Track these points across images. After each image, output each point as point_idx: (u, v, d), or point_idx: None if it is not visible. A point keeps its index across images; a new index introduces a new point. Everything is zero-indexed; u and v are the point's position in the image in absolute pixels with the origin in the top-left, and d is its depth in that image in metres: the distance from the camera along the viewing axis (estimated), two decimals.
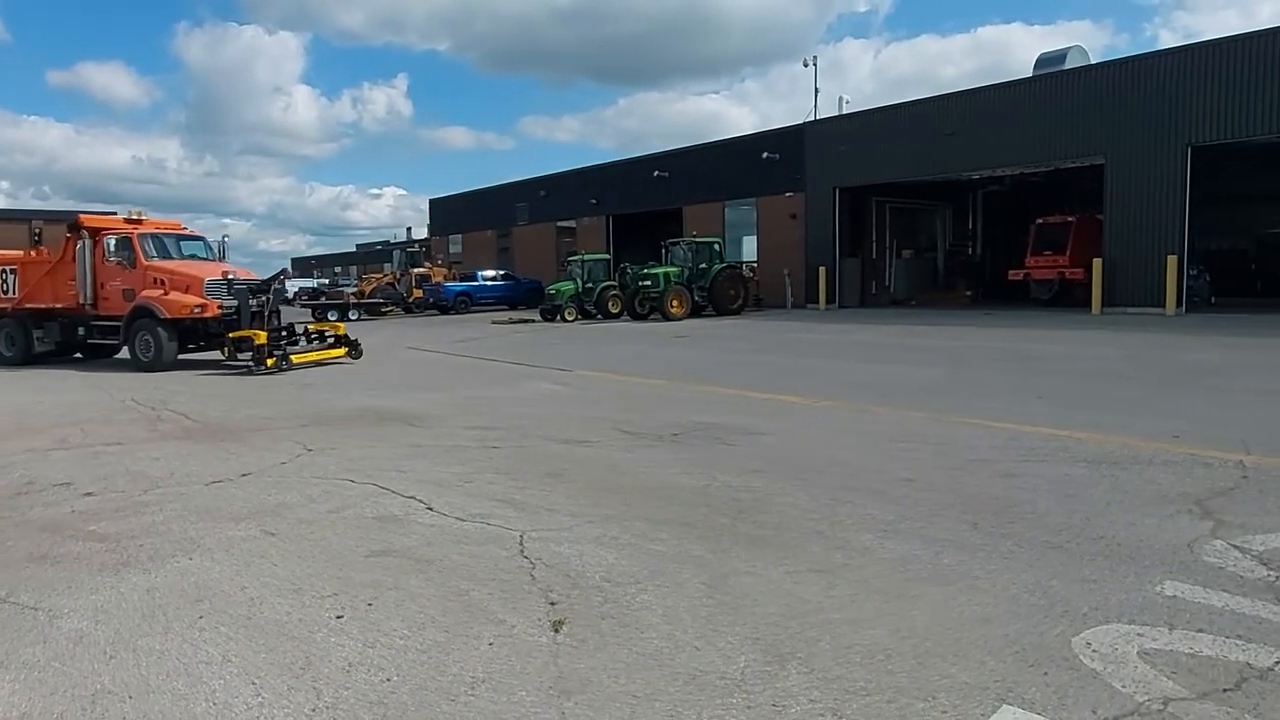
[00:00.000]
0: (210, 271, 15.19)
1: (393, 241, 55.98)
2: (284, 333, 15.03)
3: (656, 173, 35.50)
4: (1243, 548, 4.23)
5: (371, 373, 13.56)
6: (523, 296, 36.54)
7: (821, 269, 29.31)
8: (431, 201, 53.64)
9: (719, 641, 3.33)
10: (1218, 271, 25.06)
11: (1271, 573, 3.89)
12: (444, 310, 34.71)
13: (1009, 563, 4.15)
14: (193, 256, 15.84)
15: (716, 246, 28.57)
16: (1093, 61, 27.21)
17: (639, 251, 33.83)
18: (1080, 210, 25.77)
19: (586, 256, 30.68)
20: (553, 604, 3.76)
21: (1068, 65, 26.66)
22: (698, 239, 28.40)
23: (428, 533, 4.87)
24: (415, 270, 37.66)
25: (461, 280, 37.42)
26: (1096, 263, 22.75)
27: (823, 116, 32.79)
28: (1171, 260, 21.25)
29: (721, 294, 27.13)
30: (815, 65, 39.26)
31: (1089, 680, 2.91)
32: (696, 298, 26.78)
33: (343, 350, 15.32)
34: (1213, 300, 23.98)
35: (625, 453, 7.09)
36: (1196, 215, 22.03)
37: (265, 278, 15.80)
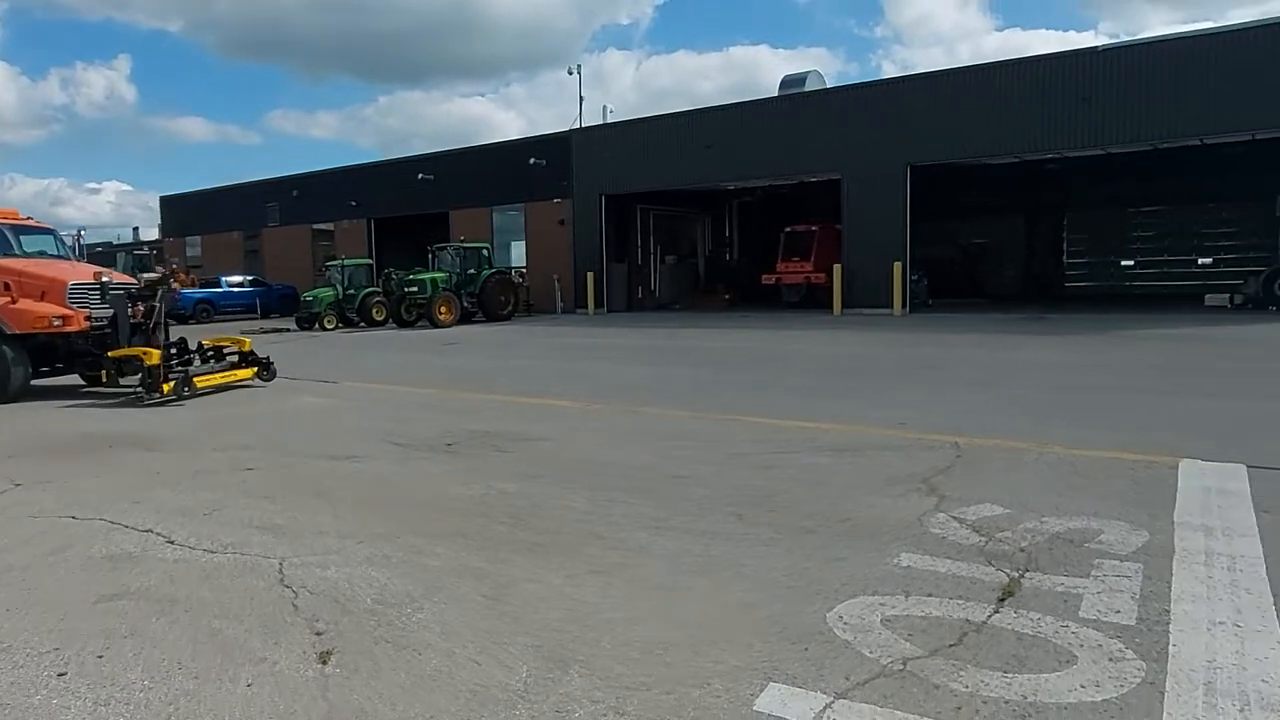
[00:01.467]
0: (76, 274, 11.70)
1: (116, 243, 49.93)
2: (176, 350, 11.80)
3: (421, 175, 34.50)
4: (960, 518, 4.83)
5: (96, 392, 12.00)
6: (275, 304, 34.04)
7: (590, 274, 29.90)
8: (163, 199, 48.46)
9: (500, 653, 3.29)
10: (934, 276, 28.49)
11: (982, 538, 4.48)
12: (181, 320, 31.46)
13: (770, 549, 4.46)
14: (40, 254, 12.31)
15: (485, 252, 28.28)
16: (828, 85, 30.03)
17: (404, 256, 32.69)
18: (824, 220, 28.29)
19: (347, 261, 29.17)
20: (319, 634, 3.52)
21: (808, 87, 29.22)
22: (466, 244, 27.94)
23: (170, 569, 4.39)
24: (145, 275, 33.78)
25: (203, 286, 34.17)
26: (837, 268, 25.08)
27: (589, 124, 33.56)
28: (897, 266, 23.89)
29: (492, 300, 26.89)
30: (580, 73, 40.05)
31: (842, 650, 3.19)
32: (466, 304, 26.34)
33: (250, 371, 12.16)
34: (930, 301, 27.22)
35: (397, 466, 6.81)
36: (917, 227, 24.94)
37: (150, 279, 12.87)
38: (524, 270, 31.92)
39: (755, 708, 2.80)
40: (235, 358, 12.35)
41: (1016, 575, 3.93)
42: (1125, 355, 13.74)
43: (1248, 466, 5.91)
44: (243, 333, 17.07)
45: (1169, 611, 3.48)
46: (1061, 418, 8.09)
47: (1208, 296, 25.49)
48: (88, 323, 11.27)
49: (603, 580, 4.06)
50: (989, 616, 3.47)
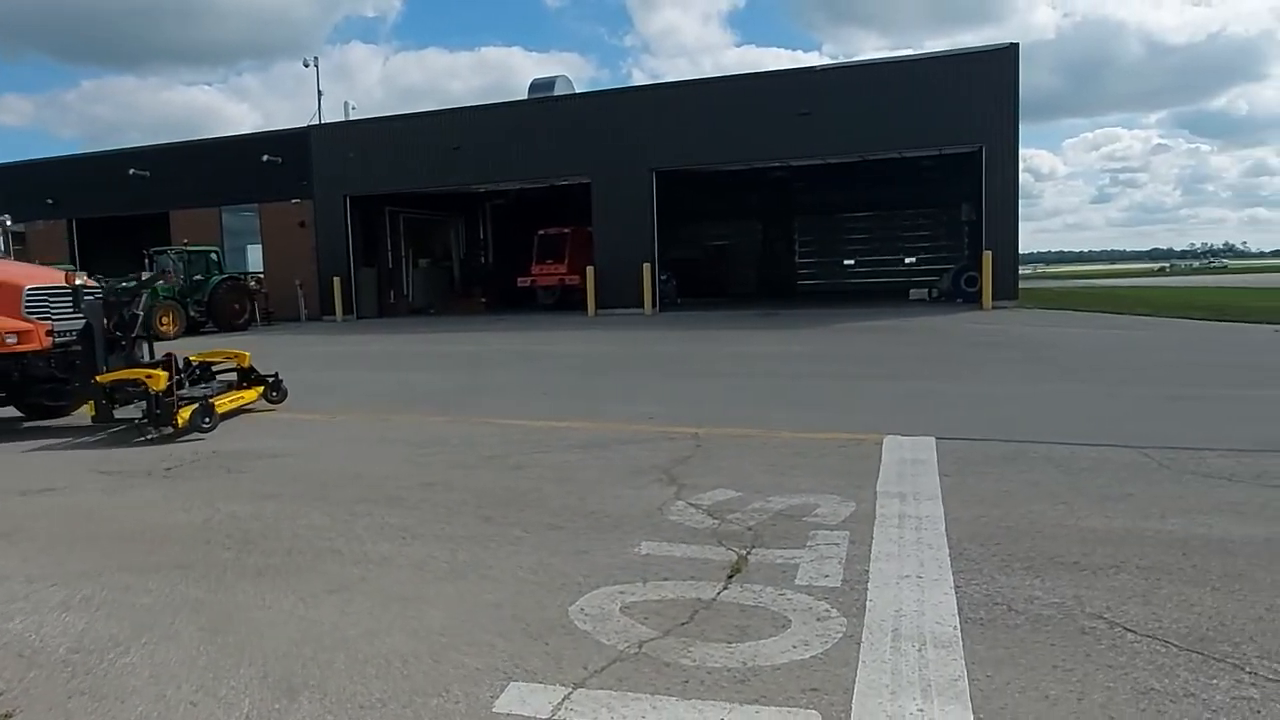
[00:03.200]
0: (34, 276, 9.07)
1: None
2: (182, 371, 9.01)
3: (134, 171, 30.87)
4: (696, 504, 5.14)
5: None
6: None
7: (336, 279, 28.34)
8: None
9: (220, 689, 3.03)
10: (682, 277, 30.03)
11: (715, 521, 4.80)
12: None
13: (517, 548, 4.48)
14: None
15: (214, 256, 25.91)
16: (577, 90, 30.64)
17: (116, 262, 29.07)
18: (576, 223, 28.84)
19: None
20: None
21: (557, 91, 29.62)
22: (191, 247, 25.42)
23: None
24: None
25: None
26: (590, 270, 25.68)
27: (331, 121, 31.75)
28: (647, 268, 24.91)
29: (224, 308, 24.69)
30: (318, 66, 37.73)
31: (582, 641, 3.28)
32: (193, 313, 23.97)
33: (255, 393, 9.64)
34: (679, 301, 28.67)
35: (105, 495, 6.05)
36: (664, 229, 26.14)
37: (128, 283, 10.11)
38: (261, 276, 29.58)
39: (495, 709, 2.80)
40: (233, 375, 9.77)
41: (744, 553, 4.25)
42: (839, 345, 15.32)
43: (936, 438, 6.81)
44: None
45: (868, 571, 3.93)
46: (786, 404, 8.87)
47: (911, 291, 29.08)
48: (50, 339, 8.57)
49: (341, 597, 3.87)
50: (718, 593, 3.72)
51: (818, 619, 3.42)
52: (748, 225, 38.35)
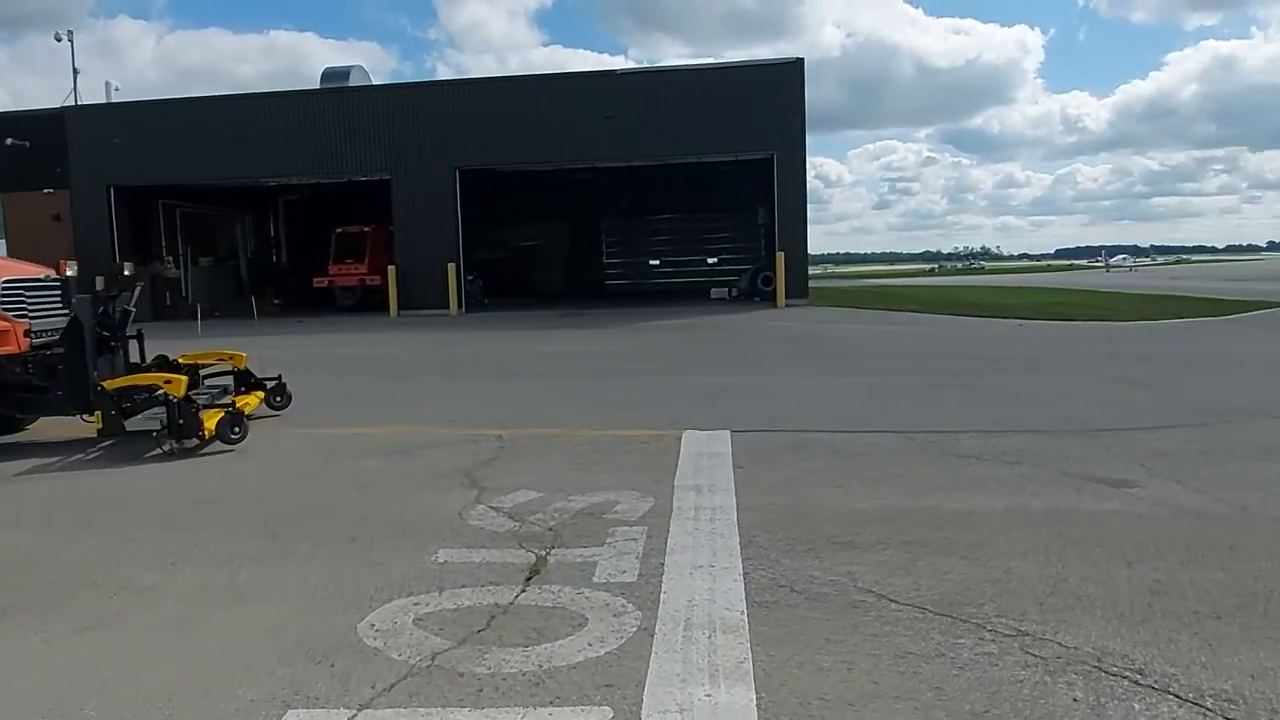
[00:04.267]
0: (8, 268, 7.75)
1: None
2: (191, 375, 7.71)
3: None
4: (498, 507, 5.08)
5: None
6: None
7: (100, 279, 25.50)
8: None
9: None
10: (489, 277, 29.59)
11: (516, 523, 4.77)
12: None
13: (305, 565, 4.23)
14: None
15: None
16: (375, 82, 29.40)
17: None
18: (377, 221, 27.65)
19: None
20: None
21: (352, 82, 28.27)
22: None
23: None
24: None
25: None
26: (391, 270, 24.73)
27: (91, 103, 28.51)
28: (451, 268, 24.33)
29: None
30: (73, 40, 33.63)
31: (370, 658, 3.14)
32: None
33: (255, 398, 8.32)
34: (486, 301, 28.23)
35: None
36: (471, 229, 25.64)
37: (124, 273, 9.07)
38: None
39: None
40: (230, 378, 8.53)
41: (544, 554, 4.25)
42: (643, 344, 15.73)
43: (731, 432, 7.13)
44: None
45: (664, 564, 4.05)
46: (590, 403, 8.98)
47: (712, 290, 30.31)
48: (28, 340, 7.35)
49: (95, 636, 3.48)
50: (516, 597, 3.70)
51: (614, 615, 3.48)
52: (555, 226, 38.41)
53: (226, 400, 7.86)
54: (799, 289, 23.98)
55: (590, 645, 3.19)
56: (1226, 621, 3.31)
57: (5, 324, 7.28)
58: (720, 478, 5.70)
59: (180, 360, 8.30)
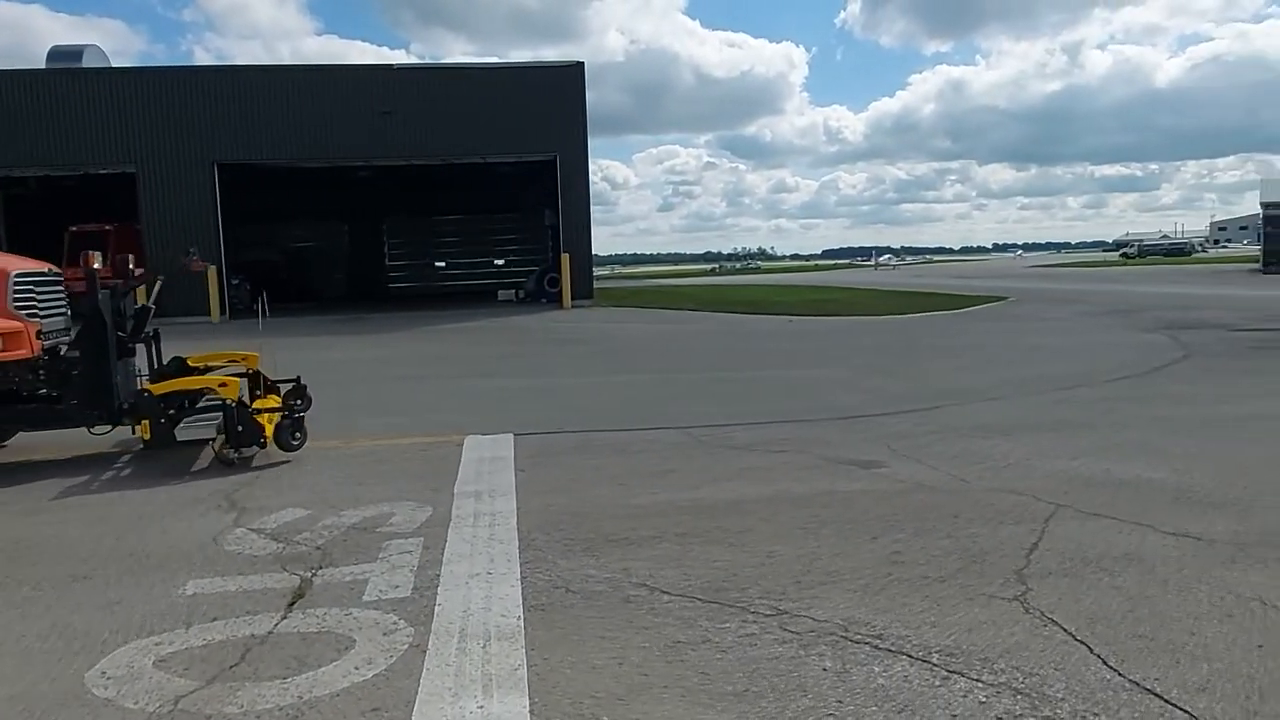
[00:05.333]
0: (17, 261, 6.64)
1: None
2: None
3: None
4: (259, 529, 4.72)
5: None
6: None
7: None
8: None
9: None
10: (259, 280, 27.54)
11: (280, 544, 4.45)
12: None
13: (25, 611, 3.71)
14: None
15: None
16: (113, 65, 26.42)
17: None
18: (121, 219, 24.87)
19: None
20: None
21: (86, 63, 25.24)
22: None
23: None
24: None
25: None
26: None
27: None
28: (212, 271, 22.38)
29: None
30: None
31: (101, 711, 2.81)
32: None
33: (275, 401, 7.03)
34: (256, 306, 26.22)
35: None
36: (236, 229, 23.71)
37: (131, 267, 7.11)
38: None
39: None
40: (244, 380, 7.10)
41: (310, 575, 4.00)
42: (427, 347, 15.31)
43: (514, 434, 7.09)
44: None
45: (439, 575, 3.94)
46: (369, 411, 8.59)
47: (499, 292, 30.05)
48: (40, 342, 6.40)
49: None
50: (276, 625, 3.45)
51: (384, 634, 3.33)
52: (334, 226, 36.47)
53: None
54: (584, 290, 24.33)
55: (357, 669, 3.04)
56: (949, 583, 3.72)
57: (17, 324, 6.23)
58: (501, 482, 5.64)
59: (190, 361, 7.37)
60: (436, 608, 3.56)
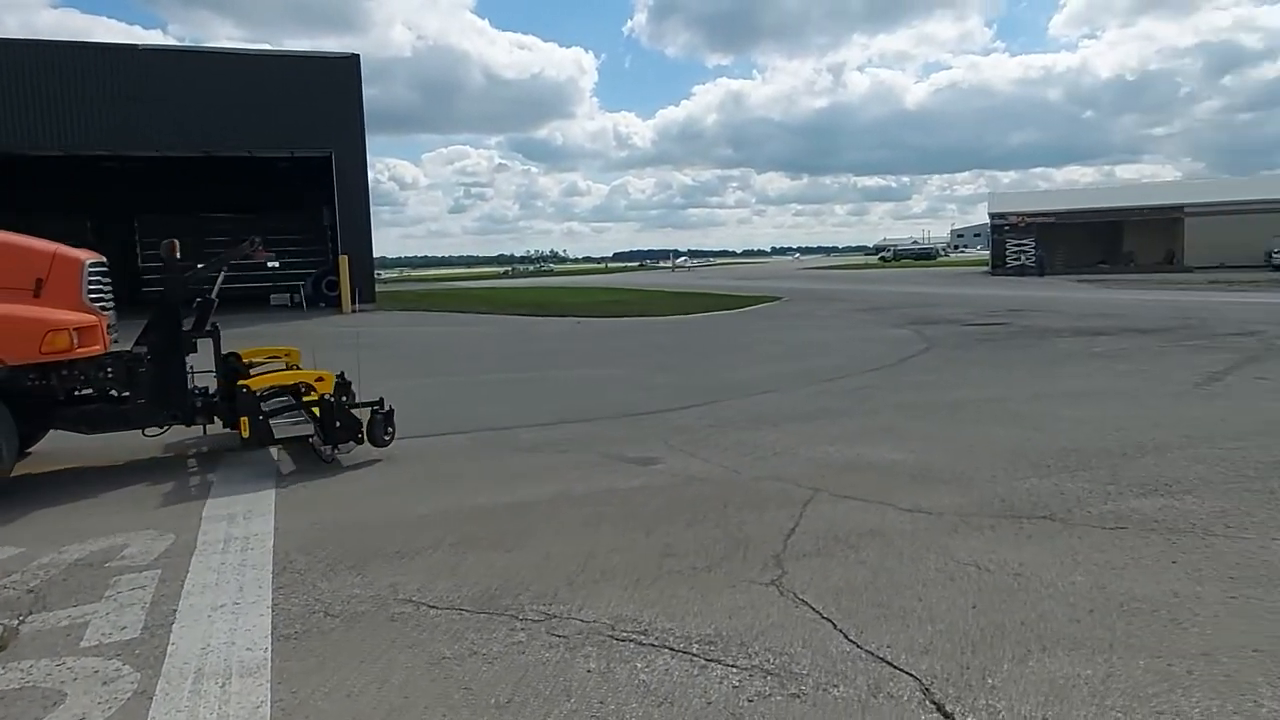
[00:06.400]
0: (83, 252, 6.05)
1: None
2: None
3: None
4: None
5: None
6: None
7: None
8: None
9: None
10: None
11: None
12: None
13: None
14: None
15: None
16: None
17: None
18: None
19: None
20: None
21: None
22: None
23: None
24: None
25: None
26: None
27: None
28: None
29: None
30: None
31: None
32: None
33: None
34: None
35: None
36: None
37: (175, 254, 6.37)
38: None
39: None
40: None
41: (17, 623, 3.48)
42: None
43: (278, 448, 6.59)
44: None
45: (176, 611, 3.55)
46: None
47: (272, 297, 28.03)
48: (110, 337, 5.91)
49: None
50: None
51: (104, 683, 2.95)
52: (74, 223, 32.29)
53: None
54: (367, 293, 23.29)
55: None
56: (715, 571, 3.86)
57: (91, 317, 5.79)
58: (260, 501, 5.22)
59: (241, 356, 7.19)
60: (170, 647, 3.21)
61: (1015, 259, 46.64)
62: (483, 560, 4.10)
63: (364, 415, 6.30)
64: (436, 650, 3.14)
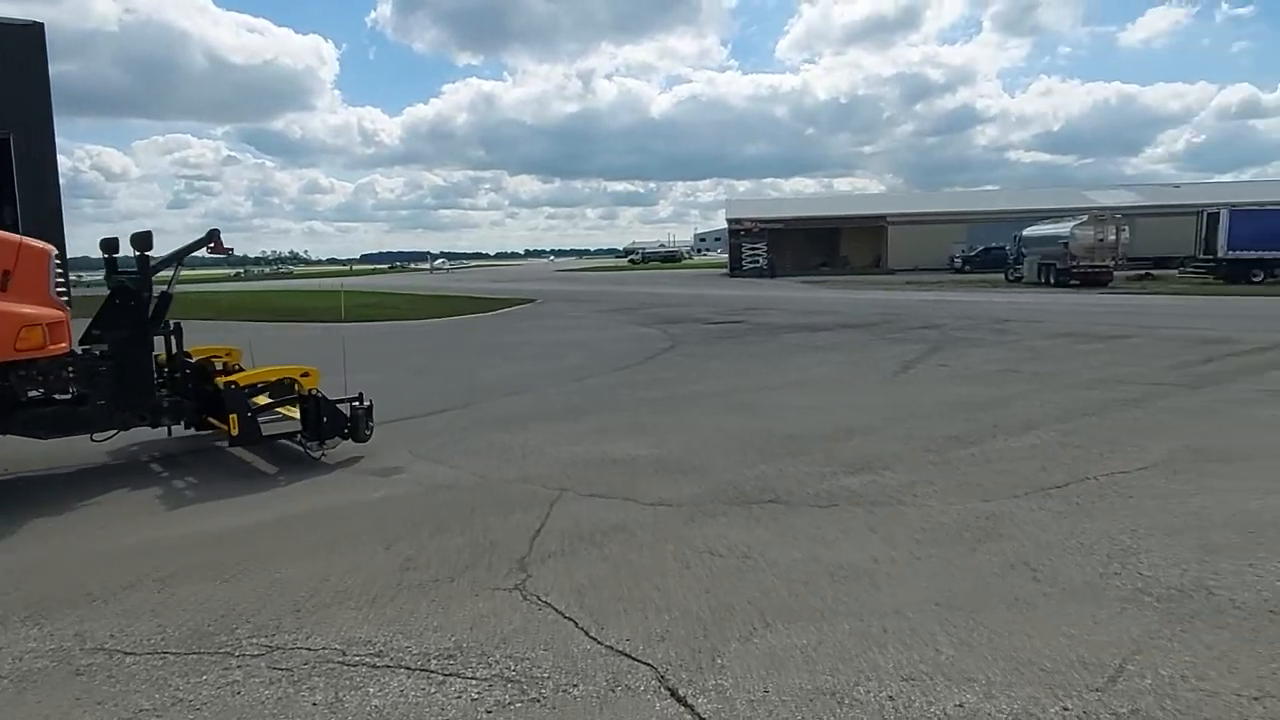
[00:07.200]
0: (46, 244, 5.72)
1: None
2: None
3: None
4: None
5: None
6: None
7: None
8: None
9: None
10: None
11: None
12: None
13: None
14: None
15: None
16: None
17: None
18: None
19: None
20: None
21: None
22: None
23: None
24: None
25: None
26: None
27: None
28: None
29: None
30: None
31: None
32: None
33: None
34: None
35: None
36: None
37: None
38: None
39: None
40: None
41: None
42: None
43: None
44: None
45: None
46: None
47: None
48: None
49: None
50: None
51: None
52: None
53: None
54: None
55: None
56: (458, 581, 3.76)
57: (60, 313, 5.35)
58: None
59: (190, 354, 6.71)
60: None
61: (751, 261, 50.41)
62: (195, 594, 3.70)
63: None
64: (133, 704, 2.77)
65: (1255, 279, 28.86)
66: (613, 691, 2.75)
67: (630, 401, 8.46)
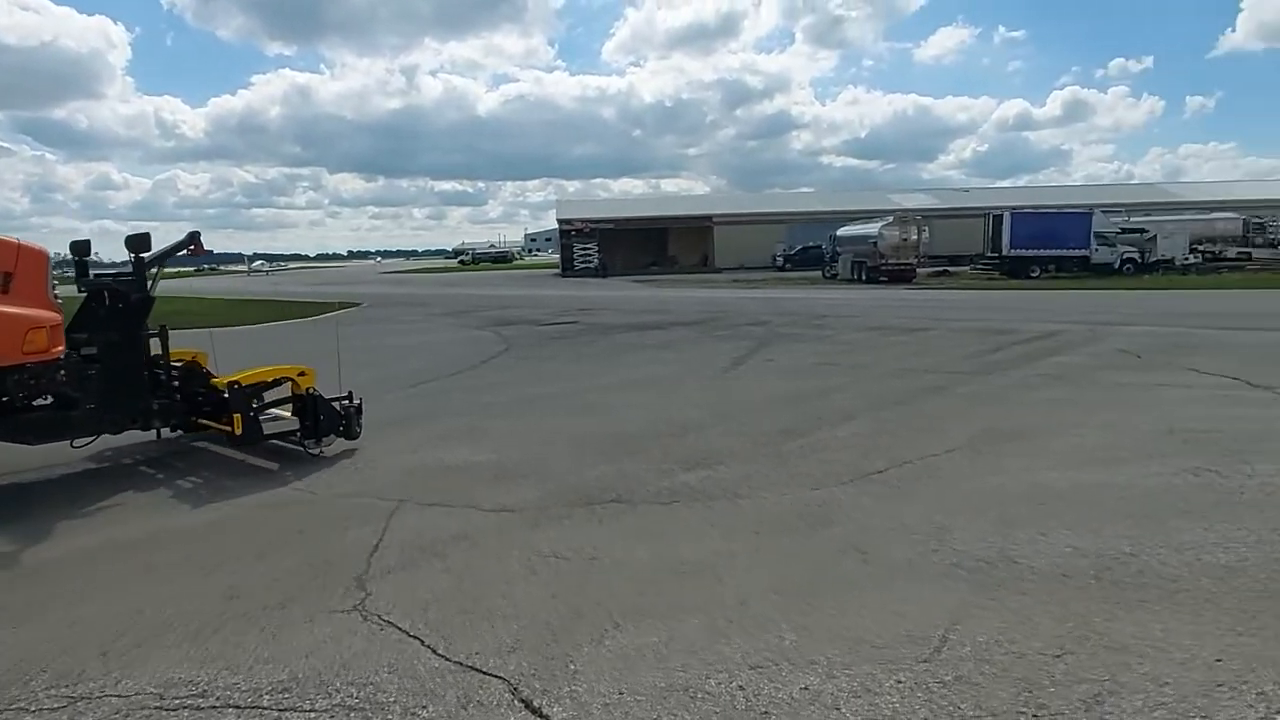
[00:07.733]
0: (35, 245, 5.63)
1: None
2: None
3: None
4: None
5: None
6: None
7: None
8: None
9: None
10: None
11: None
12: None
13: None
14: None
15: None
16: None
17: None
18: None
19: None
20: None
21: None
22: None
23: None
24: None
25: None
26: None
27: None
28: None
29: None
30: None
31: None
32: None
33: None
34: None
35: None
36: None
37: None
38: None
39: None
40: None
41: None
42: None
43: None
44: None
45: None
46: None
47: None
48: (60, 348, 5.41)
49: None
50: None
51: None
52: None
53: None
54: None
55: None
56: (290, 607, 3.53)
57: (57, 315, 5.30)
58: None
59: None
60: None
61: (583, 261, 50.67)
62: None
63: None
64: None
65: (1033, 274, 32.17)
66: (464, 709, 2.68)
67: (466, 406, 8.29)
